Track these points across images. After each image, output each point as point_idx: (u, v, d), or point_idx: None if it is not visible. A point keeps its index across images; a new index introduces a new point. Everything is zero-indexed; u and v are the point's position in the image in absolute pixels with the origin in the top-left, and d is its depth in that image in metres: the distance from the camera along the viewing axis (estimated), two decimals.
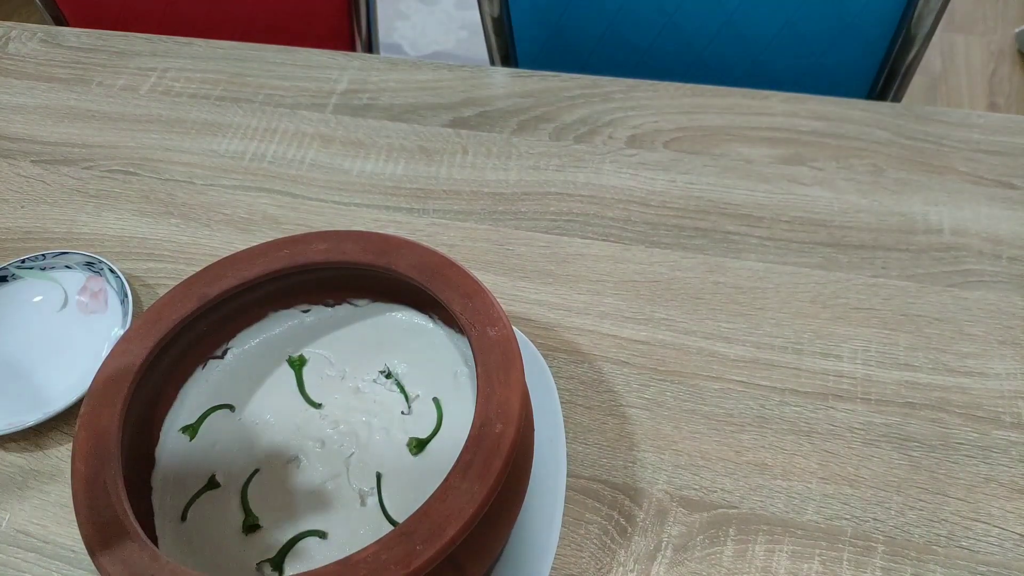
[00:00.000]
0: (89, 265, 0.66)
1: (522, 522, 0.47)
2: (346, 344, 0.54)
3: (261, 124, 0.78)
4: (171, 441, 0.51)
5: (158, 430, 0.51)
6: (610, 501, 0.52)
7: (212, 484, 0.48)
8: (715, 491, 0.52)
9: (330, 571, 0.38)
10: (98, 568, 0.39)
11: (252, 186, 0.73)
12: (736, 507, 0.52)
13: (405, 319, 0.54)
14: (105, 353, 0.61)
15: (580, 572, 0.50)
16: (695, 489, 0.53)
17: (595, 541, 0.51)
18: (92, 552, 0.40)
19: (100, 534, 0.40)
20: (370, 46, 1.09)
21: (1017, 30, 1.92)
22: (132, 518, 0.41)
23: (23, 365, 0.61)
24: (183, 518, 0.47)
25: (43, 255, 0.66)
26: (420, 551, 0.38)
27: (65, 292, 0.65)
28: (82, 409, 0.45)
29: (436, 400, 0.50)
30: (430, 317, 0.53)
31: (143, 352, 0.47)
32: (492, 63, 1.00)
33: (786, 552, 0.50)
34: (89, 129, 0.79)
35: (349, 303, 0.55)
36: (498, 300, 0.48)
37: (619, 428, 0.55)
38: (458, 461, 0.40)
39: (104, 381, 0.46)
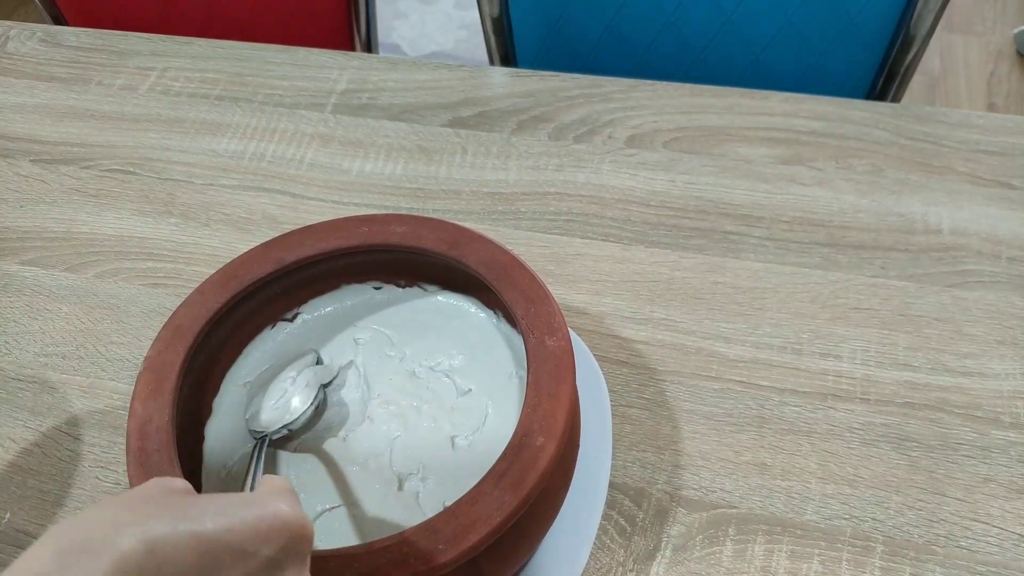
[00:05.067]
0: None
1: (553, 535, 0.46)
2: (410, 327, 0.54)
3: (260, 124, 0.78)
4: (230, 394, 0.52)
5: (219, 382, 0.52)
6: (609, 501, 0.52)
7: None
8: (714, 491, 0.53)
9: (352, 553, 0.38)
10: None
11: (251, 186, 0.73)
12: (735, 507, 0.52)
13: (471, 312, 0.54)
14: None
15: None
16: (694, 489, 0.53)
17: (595, 541, 0.51)
18: None
19: (145, 476, 0.41)
20: (369, 46, 1.09)
21: (1016, 31, 1.92)
22: (177, 465, 0.42)
23: None
24: (229, 472, 0.48)
25: None
26: (442, 550, 0.38)
27: None
28: (148, 352, 0.47)
29: (486, 400, 0.50)
30: (495, 314, 0.53)
31: (215, 305, 0.49)
32: (491, 63, 1.00)
33: (785, 552, 0.50)
34: (88, 128, 0.79)
35: (420, 287, 0.55)
36: (561, 309, 0.47)
37: (618, 428, 0.55)
38: (493, 468, 0.40)
39: (173, 328, 0.48)
